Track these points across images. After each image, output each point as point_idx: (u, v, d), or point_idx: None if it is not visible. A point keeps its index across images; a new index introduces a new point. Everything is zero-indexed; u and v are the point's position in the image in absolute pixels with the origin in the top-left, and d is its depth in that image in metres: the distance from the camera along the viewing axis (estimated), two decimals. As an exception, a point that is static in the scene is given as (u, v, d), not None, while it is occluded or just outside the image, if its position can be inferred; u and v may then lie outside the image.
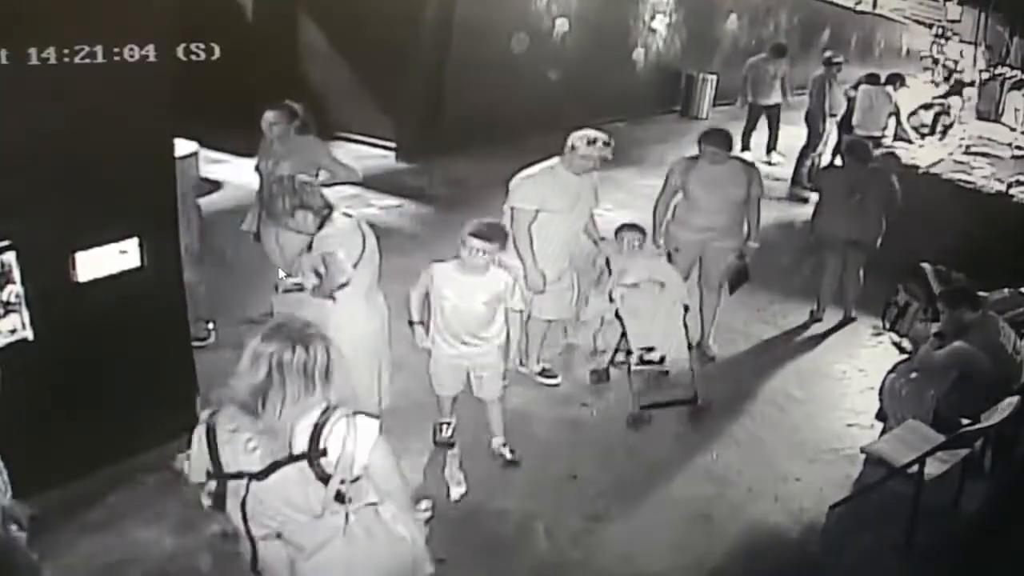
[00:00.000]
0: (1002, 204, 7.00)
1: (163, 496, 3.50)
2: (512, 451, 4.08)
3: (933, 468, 3.75)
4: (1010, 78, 13.83)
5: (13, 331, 3.10)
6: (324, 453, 2.09)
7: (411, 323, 3.84)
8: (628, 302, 4.56)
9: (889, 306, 5.98)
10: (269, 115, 4.76)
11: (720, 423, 4.64)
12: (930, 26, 21.42)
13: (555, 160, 4.43)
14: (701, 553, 3.65)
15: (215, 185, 7.51)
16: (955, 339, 4.23)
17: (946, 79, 16.25)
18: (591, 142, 4.32)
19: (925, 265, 5.81)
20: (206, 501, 2.21)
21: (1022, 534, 3.79)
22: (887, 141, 8.94)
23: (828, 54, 9.69)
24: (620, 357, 4.81)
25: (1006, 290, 5.23)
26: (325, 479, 2.11)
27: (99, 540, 3.33)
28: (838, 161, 9.80)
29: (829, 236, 5.95)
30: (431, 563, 2.47)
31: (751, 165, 5.17)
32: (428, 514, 2.55)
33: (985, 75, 15.06)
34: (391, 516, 2.31)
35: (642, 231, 4.81)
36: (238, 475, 2.13)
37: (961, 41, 19.19)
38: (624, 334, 4.60)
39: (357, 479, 2.18)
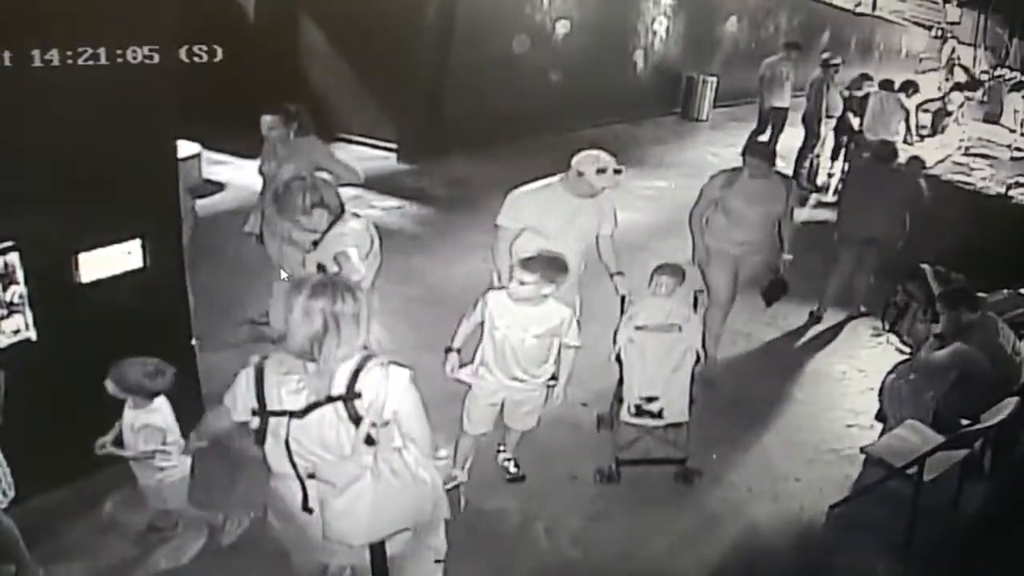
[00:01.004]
0: (1001, 205, 7.02)
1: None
2: (517, 466, 4.01)
3: (933, 468, 3.76)
4: (1010, 79, 13.85)
5: (16, 331, 3.11)
6: (359, 395, 2.29)
7: (447, 349, 3.61)
8: (636, 345, 3.96)
9: (889, 307, 6.00)
10: (267, 119, 4.77)
11: (720, 423, 4.65)
12: (929, 28, 21.44)
13: (557, 178, 4.10)
14: (701, 553, 3.66)
15: (217, 186, 7.53)
16: (954, 340, 4.24)
17: (948, 79, 16.26)
18: (601, 171, 3.91)
19: (925, 266, 5.83)
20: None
21: (1022, 534, 3.80)
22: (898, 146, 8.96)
23: (825, 56, 9.72)
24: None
25: (1005, 291, 5.25)
26: (357, 420, 2.30)
27: (100, 540, 3.34)
28: (839, 164, 9.87)
29: (851, 234, 6.03)
30: (447, 508, 2.66)
31: (788, 178, 5.14)
32: (446, 462, 2.71)
33: (985, 77, 15.08)
34: (414, 460, 2.48)
35: (681, 275, 4.14)
36: (281, 413, 2.32)
37: (960, 43, 19.21)
38: (620, 379, 4.03)
39: (387, 424, 2.38)
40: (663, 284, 4.07)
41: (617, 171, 3.93)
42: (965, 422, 4.00)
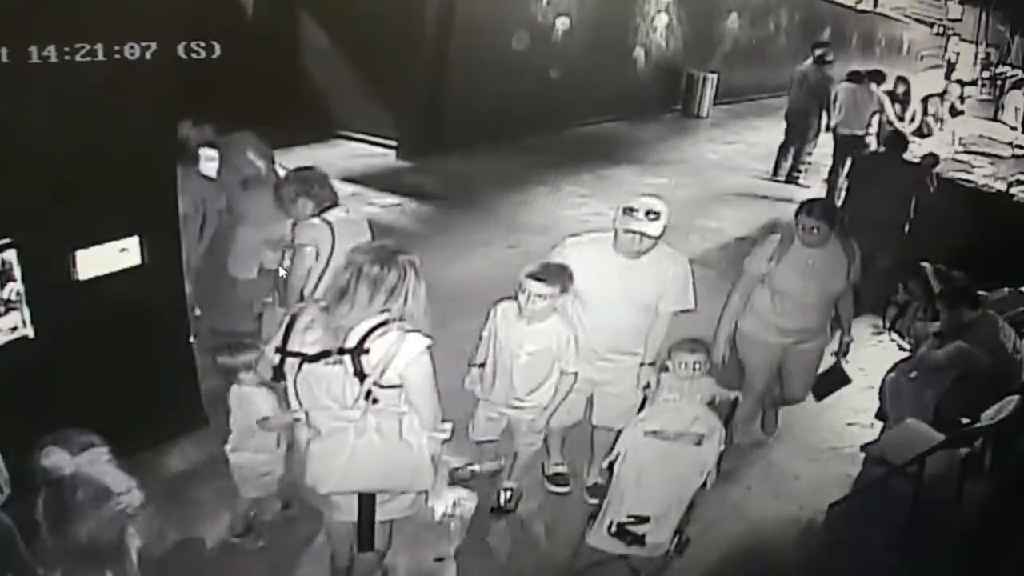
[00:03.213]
0: (1002, 203, 6.99)
1: (164, 496, 3.50)
2: (509, 500, 3.76)
3: (933, 467, 3.76)
4: (1011, 77, 13.82)
5: (14, 329, 3.10)
6: (366, 352, 2.39)
7: (470, 364, 3.50)
8: (640, 454, 3.07)
9: (889, 305, 5.99)
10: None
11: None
12: (931, 25, 21.41)
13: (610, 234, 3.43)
14: (701, 551, 3.65)
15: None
16: (955, 338, 4.24)
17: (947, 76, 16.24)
18: (629, 210, 3.23)
19: (925, 264, 5.83)
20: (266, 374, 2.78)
21: (1022, 534, 3.80)
22: (871, 140, 8.91)
23: (820, 52, 9.63)
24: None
25: (1006, 289, 5.24)
26: (362, 377, 2.40)
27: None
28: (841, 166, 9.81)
29: (857, 219, 5.98)
30: (433, 477, 2.66)
31: (851, 243, 3.95)
32: (446, 436, 2.67)
33: (986, 74, 15.06)
34: (408, 426, 2.54)
35: (707, 353, 3.43)
36: (296, 355, 2.49)
37: (962, 40, 19.19)
38: (606, 485, 3.23)
39: (395, 387, 2.46)
40: (688, 363, 3.32)
41: (653, 214, 3.20)
42: (965, 421, 4.00)
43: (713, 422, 3.10)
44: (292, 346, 2.51)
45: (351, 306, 2.40)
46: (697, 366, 3.33)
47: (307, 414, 2.55)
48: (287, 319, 2.58)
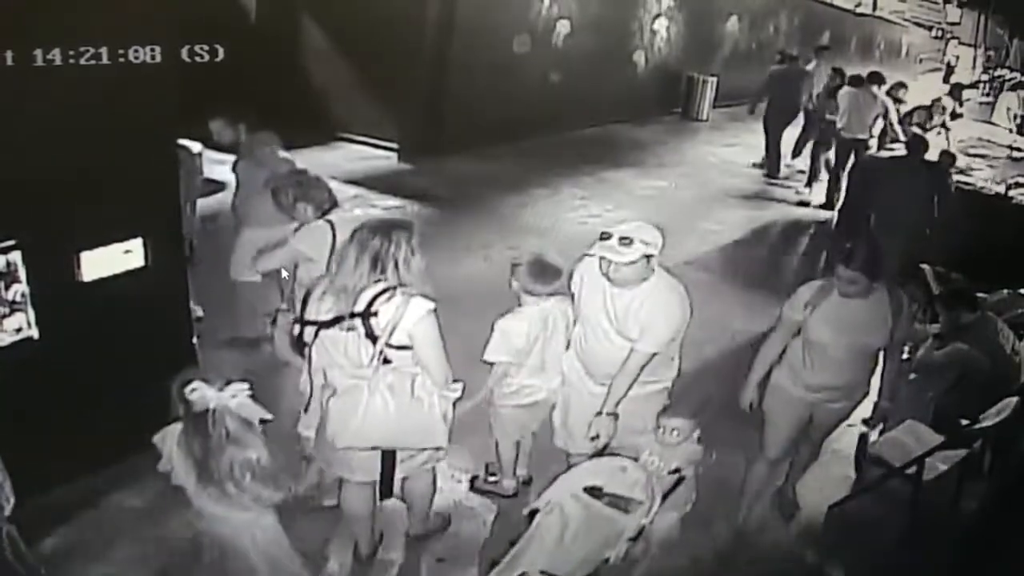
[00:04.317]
0: (1001, 205, 7.02)
1: (164, 495, 3.52)
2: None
3: (932, 468, 3.77)
4: (1009, 80, 13.86)
5: (19, 330, 3.12)
6: (375, 315, 2.64)
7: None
8: (569, 507, 2.82)
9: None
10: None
11: (719, 424, 4.65)
12: (930, 28, 21.46)
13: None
14: (701, 554, 3.66)
15: (218, 185, 7.52)
16: (954, 340, 4.25)
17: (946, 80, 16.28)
18: (604, 237, 3.00)
19: (924, 266, 5.84)
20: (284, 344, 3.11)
21: (1022, 534, 3.80)
22: (874, 143, 8.93)
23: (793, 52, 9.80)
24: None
25: (1005, 291, 5.25)
26: (374, 338, 2.65)
27: (101, 540, 3.35)
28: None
29: (886, 221, 6.27)
30: (446, 437, 2.84)
31: (898, 295, 3.46)
32: (457, 394, 2.81)
33: (985, 77, 15.09)
34: (420, 385, 2.75)
35: (694, 417, 3.22)
36: (312, 322, 2.79)
37: (961, 43, 19.23)
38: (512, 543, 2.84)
39: (405, 348, 2.69)
40: (674, 430, 3.14)
41: (626, 241, 2.94)
42: (964, 422, 4.01)
43: (652, 492, 2.87)
44: (309, 316, 2.80)
45: (357, 275, 2.64)
46: (676, 434, 3.13)
47: (326, 374, 2.80)
48: (302, 294, 2.88)
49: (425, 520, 3.45)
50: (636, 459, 3.07)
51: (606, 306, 3.13)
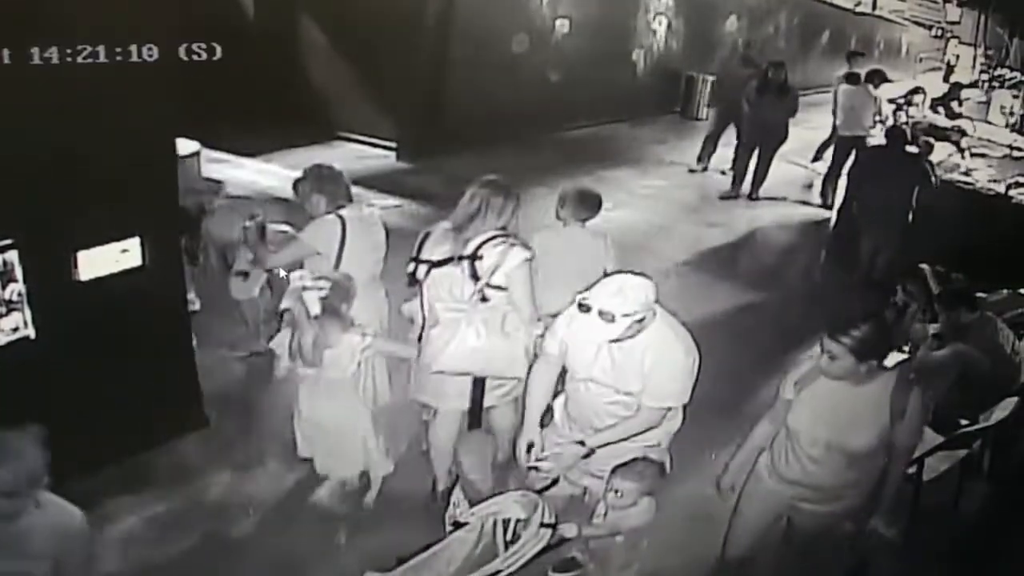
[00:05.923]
0: (1001, 205, 7.02)
1: (163, 495, 3.51)
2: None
3: (932, 469, 3.76)
4: (1009, 79, 13.85)
5: (15, 329, 3.11)
6: (480, 258, 3.07)
7: None
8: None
9: (888, 307, 5.99)
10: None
11: (719, 424, 4.64)
12: (930, 27, 21.43)
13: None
14: (701, 553, 3.65)
15: (216, 184, 7.52)
16: (954, 340, 4.24)
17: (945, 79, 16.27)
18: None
19: (924, 266, 5.83)
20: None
21: (1022, 534, 3.80)
22: (873, 141, 8.89)
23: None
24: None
25: (1005, 291, 5.25)
26: (476, 278, 3.08)
27: (101, 539, 3.33)
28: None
29: (867, 209, 6.60)
30: (525, 369, 3.17)
31: (909, 393, 2.69)
32: (540, 331, 3.13)
33: (985, 76, 15.08)
34: (509, 322, 3.18)
35: (651, 482, 2.88)
36: (426, 261, 3.21)
37: (961, 43, 19.22)
38: None
39: (502, 289, 3.10)
40: (623, 491, 2.80)
41: (606, 315, 2.57)
42: (964, 422, 4.00)
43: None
44: (423, 256, 3.22)
45: (479, 225, 3.09)
46: (621, 496, 2.81)
47: (430, 306, 3.20)
48: (420, 237, 3.29)
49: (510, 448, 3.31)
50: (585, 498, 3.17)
51: (603, 359, 2.75)
